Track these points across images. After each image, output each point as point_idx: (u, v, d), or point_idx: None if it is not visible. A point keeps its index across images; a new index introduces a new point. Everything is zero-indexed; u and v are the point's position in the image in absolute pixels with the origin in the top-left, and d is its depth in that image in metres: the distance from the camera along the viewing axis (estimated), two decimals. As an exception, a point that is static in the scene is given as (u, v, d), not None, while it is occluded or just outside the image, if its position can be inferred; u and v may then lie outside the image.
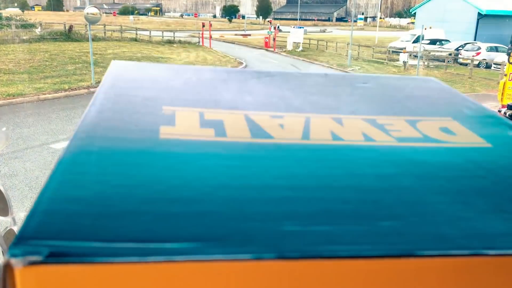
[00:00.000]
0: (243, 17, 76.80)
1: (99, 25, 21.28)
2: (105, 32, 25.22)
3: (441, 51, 23.25)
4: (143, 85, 0.47)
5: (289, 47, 26.60)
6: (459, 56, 21.43)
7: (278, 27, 35.96)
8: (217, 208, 0.27)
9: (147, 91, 0.45)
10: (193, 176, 0.30)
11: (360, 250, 0.24)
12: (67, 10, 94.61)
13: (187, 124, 0.39)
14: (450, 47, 24.08)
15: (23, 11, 51.29)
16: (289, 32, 28.28)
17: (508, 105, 1.75)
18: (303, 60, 22.36)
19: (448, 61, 20.28)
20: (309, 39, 29.32)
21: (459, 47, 23.20)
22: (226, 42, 32.76)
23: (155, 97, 0.44)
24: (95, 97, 0.43)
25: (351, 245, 0.24)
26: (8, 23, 21.82)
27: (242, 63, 19.47)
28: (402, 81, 0.56)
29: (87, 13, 11.47)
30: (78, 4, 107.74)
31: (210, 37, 26.88)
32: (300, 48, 26.18)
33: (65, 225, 0.24)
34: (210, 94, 0.45)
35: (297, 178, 0.31)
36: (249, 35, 39.69)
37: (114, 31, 26.88)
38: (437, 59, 21.35)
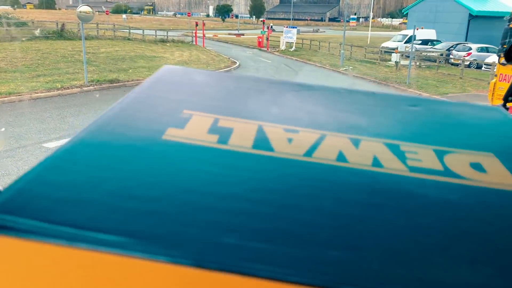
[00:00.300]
0: (237, 16, 76.75)
1: (92, 23, 21.18)
2: (97, 31, 25.10)
3: (433, 52, 23.44)
4: (177, 89, 0.48)
5: (282, 47, 26.65)
6: (450, 56, 21.63)
7: (271, 26, 36.00)
8: (170, 210, 0.28)
9: (177, 94, 0.47)
10: (168, 177, 0.31)
11: (281, 273, 0.24)
12: (59, 9, 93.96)
13: (196, 129, 0.39)
14: (442, 47, 24.29)
15: (14, 9, 50.88)
16: (282, 31, 28.33)
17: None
18: (296, 59, 22.43)
19: (440, 61, 20.45)
20: (302, 39, 29.42)
21: (451, 47, 23.41)
22: (220, 41, 32.76)
23: (182, 101, 0.45)
24: (127, 95, 0.46)
25: (276, 267, 0.24)
26: (-1, 21, 21.67)
27: (236, 62, 19.49)
28: (458, 108, 0.51)
29: (80, 12, 11.44)
30: (71, 3, 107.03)
31: (204, 36, 26.86)
32: (293, 48, 26.24)
33: (25, 203, 0.27)
34: (237, 103, 0.46)
35: (271, 193, 0.31)
36: (243, 34, 39.70)
37: (107, 29, 26.77)
38: (428, 59, 21.52)
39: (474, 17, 30.16)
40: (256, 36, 30.48)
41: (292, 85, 0.52)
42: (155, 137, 0.37)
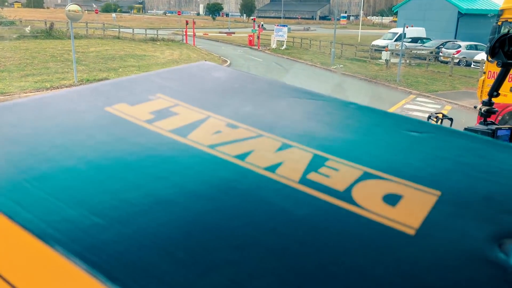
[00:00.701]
0: (227, 15, 76.62)
1: (81, 22, 21.00)
2: (87, 30, 24.89)
3: (423, 49, 23.58)
4: (182, 79, 0.49)
5: (273, 45, 26.64)
6: (440, 54, 21.77)
7: (262, 25, 35.98)
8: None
9: (173, 82, 0.48)
10: (65, 133, 0.35)
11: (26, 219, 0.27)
12: (48, 7, 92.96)
13: (144, 108, 0.40)
14: (431, 45, 24.45)
15: (2, 8, 50.29)
16: (273, 30, 28.32)
17: (483, 101, 1.83)
18: (287, 58, 22.42)
19: (429, 59, 20.57)
20: (293, 37, 29.43)
21: (440, 45, 23.56)
22: (210, 40, 32.66)
23: (168, 87, 0.46)
24: (141, 73, 0.49)
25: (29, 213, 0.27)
26: (-14, 21, 21.38)
27: (227, 61, 19.45)
28: (450, 138, 0.41)
29: (69, 10, 11.32)
30: (59, 1, 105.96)
31: (194, 35, 26.76)
32: (284, 46, 26.24)
33: None
34: (219, 97, 0.45)
35: (120, 159, 0.32)
36: (233, 33, 39.60)
37: (96, 28, 26.55)
38: (418, 57, 21.65)
39: (463, 15, 30.39)
40: (247, 35, 30.42)
41: (301, 92, 0.50)
42: (100, 107, 0.40)
